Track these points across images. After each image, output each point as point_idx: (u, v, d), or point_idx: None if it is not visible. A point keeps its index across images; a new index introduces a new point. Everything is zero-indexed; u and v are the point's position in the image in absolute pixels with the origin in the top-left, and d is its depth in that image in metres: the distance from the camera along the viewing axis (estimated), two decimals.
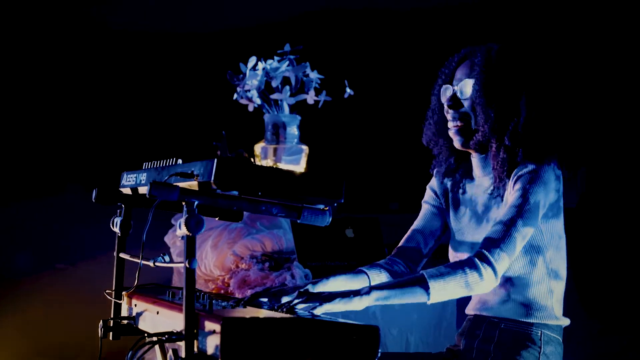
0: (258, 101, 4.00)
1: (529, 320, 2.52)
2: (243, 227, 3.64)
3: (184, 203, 2.06)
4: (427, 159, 2.86)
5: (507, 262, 2.39)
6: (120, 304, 2.57)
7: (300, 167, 4.13)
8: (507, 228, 2.39)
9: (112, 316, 2.56)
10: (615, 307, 5.15)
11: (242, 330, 1.90)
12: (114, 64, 5.98)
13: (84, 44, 5.95)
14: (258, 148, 4.09)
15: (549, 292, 2.53)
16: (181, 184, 2.10)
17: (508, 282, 2.52)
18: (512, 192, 2.47)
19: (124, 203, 2.57)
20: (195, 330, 2.01)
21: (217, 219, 2.57)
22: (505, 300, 2.53)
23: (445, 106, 2.60)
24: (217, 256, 3.57)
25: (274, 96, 3.98)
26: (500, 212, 2.53)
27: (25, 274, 5.62)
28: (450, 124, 2.60)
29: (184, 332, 2.01)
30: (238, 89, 3.99)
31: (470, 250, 2.59)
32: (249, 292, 3.32)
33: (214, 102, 5.02)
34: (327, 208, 2.18)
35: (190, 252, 2.04)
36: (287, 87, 3.97)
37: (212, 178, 1.99)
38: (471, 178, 2.70)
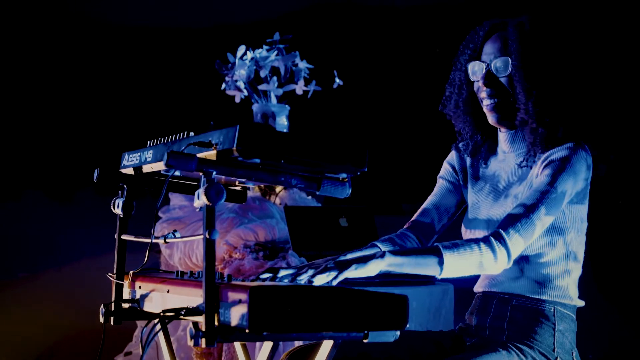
0: (245, 92, 3.95)
1: (541, 297, 2.49)
2: (235, 217, 3.58)
3: (201, 173, 2.00)
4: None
5: (522, 246, 2.36)
6: (122, 287, 2.49)
7: None
8: (529, 212, 2.36)
9: (113, 299, 2.47)
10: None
11: (270, 299, 1.85)
12: (95, 58, 5.81)
13: (61, 39, 5.80)
14: None
15: (566, 272, 2.50)
16: (198, 155, 2.04)
17: (523, 260, 2.49)
18: (540, 176, 2.44)
19: (126, 183, 2.49)
20: (215, 303, 1.96)
21: None
22: (518, 277, 2.50)
23: (480, 83, 2.56)
24: None
25: (262, 87, 3.94)
26: (522, 190, 2.51)
27: None
28: (486, 101, 2.56)
29: (204, 306, 1.95)
30: (227, 79, 3.93)
31: (484, 225, 2.56)
32: None
33: (202, 93, 4.92)
34: (347, 179, 2.13)
35: (209, 222, 1.98)
36: (275, 78, 3.93)
37: (235, 144, 1.93)
38: (494, 153, 2.67)
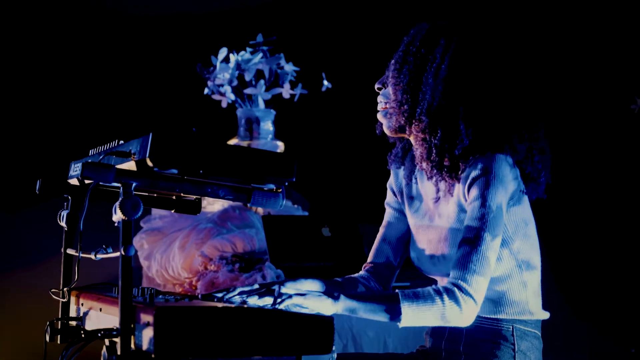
0: (232, 96, 3.81)
1: (498, 316, 2.30)
2: (213, 227, 3.45)
3: (120, 185, 1.88)
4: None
5: (485, 285, 2.17)
6: (68, 304, 2.38)
7: None
8: (476, 246, 2.16)
9: (59, 317, 2.36)
10: (596, 296, 4.90)
11: (179, 321, 1.71)
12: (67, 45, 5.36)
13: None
14: None
15: (522, 285, 2.29)
16: (119, 165, 1.91)
17: None
18: (468, 199, 2.23)
19: (70, 194, 2.37)
20: (132, 325, 1.82)
21: (172, 211, 2.39)
22: None
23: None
24: (184, 258, 3.38)
25: (248, 91, 3.79)
26: (452, 208, 2.31)
27: None
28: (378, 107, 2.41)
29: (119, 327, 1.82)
30: (209, 83, 3.79)
31: (426, 246, 2.38)
32: None
33: (183, 96, 4.64)
34: (280, 190, 1.99)
35: (126, 238, 1.85)
36: (262, 82, 3.77)
37: (148, 154, 1.80)
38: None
